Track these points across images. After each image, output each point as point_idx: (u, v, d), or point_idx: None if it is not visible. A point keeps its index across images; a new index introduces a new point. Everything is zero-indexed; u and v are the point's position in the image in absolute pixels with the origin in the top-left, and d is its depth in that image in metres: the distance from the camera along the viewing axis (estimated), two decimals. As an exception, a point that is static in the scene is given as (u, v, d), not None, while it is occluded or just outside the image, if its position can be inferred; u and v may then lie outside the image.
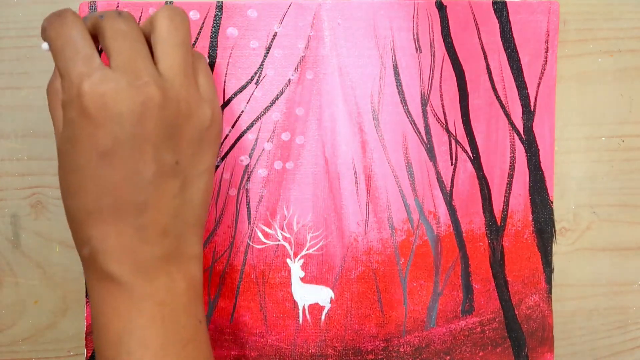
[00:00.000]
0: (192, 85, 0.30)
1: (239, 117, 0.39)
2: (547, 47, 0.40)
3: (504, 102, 0.40)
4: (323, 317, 0.40)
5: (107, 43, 0.28)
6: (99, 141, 0.27)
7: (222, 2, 0.39)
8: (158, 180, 0.28)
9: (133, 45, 0.28)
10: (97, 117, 0.27)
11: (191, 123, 0.30)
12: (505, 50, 0.40)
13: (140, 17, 0.38)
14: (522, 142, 0.40)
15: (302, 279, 0.40)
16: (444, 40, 0.40)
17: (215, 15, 0.39)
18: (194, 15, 0.39)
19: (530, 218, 0.40)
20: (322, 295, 0.40)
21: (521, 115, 0.40)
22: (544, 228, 0.40)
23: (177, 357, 0.29)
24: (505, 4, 0.40)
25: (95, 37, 0.30)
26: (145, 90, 0.27)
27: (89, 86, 0.27)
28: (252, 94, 0.39)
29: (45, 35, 0.29)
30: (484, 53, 0.40)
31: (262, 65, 0.39)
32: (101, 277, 0.29)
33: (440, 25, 0.39)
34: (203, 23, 0.39)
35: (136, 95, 0.27)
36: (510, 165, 0.40)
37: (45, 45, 0.30)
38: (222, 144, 0.39)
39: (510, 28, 0.40)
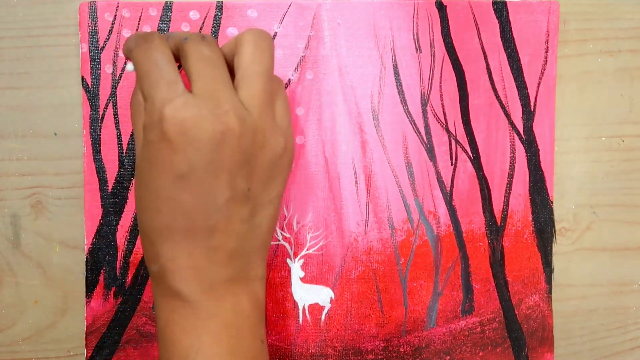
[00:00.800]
0: (270, 114, 0.30)
1: (239, 117, 0.39)
2: (547, 47, 0.40)
3: (504, 102, 0.40)
4: (323, 317, 0.40)
5: (190, 67, 0.29)
6: (176, 165, 0.28)
7: (222, 2, 0.39)
8: (230, 205, 0.29)
9: (215, 71, 0.29)
10: (176, 142, 0.27)
11: (265, 152, 0.30)
12: (505, 50, 0.40)
13: (140, 17, 0.38)
14: (522, 142, 0.40)
15: (302, 279, 0.40)
16: (444, 40, 0.40)
17: (215, 15, 0.39)
18: (193, 15, 0.39)
19: (530, 218, 0.40)
20: (322, 295, 0.40)
21: (521, 115, 0.40)
22: (544, 228, 0.40)
23: None
24: (505, 4, 0.40)
25: (177, 56, 0.30)
26: (225, 119, 0.28)
27: (171, 111, 0.27)
28: (252, 94, 0.39)
29: (131, 56, 0.29)
30: (484, 53, 0.40)
31: (262, 65, 0.39)
32: (169, 294, 0.30)
33: (440, 25, 0.39)
34: (203, 23, 0.39)
35: (216, 124, 0.28)
36: (510, 165, 0.40)
37: (130, 66, 0.30)
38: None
39: (510, 28, 0.40)
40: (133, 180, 0.39)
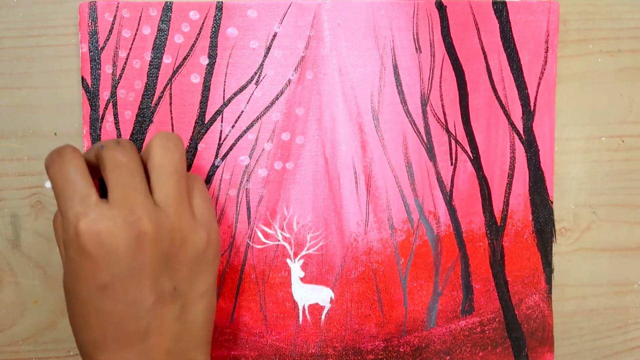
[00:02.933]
0: (187, 211, 0.31)
1: (239, 117, 0.39)
2: (547, 47, 0.40)
3: (504, 102, 0.40)
4: (323, 317, 0.40)
5: (107, 175, 0.30)
6: (98, 276, 0.28)
7: (222, 2, 0.39)
8: (158, 307, 0.29)
9: (129, 179, 0.30)
10: (95, 255, 0.28)
11: (186, 249, 0.31)
12: (505, 50, 0.40)
13: (140, 17, 0.38)
14: (522, 142, 0.40)
15: (302, 279, 0.40)
16: (444, 40, 0.40)
17: (215, 15, 0.39)
18: (193, 15, 0.39)
19: (530, 218, 0.40)
20: (322, 295, 0.40)
21: (521, 115, 0.40)
22: (544, 228, 0.40)
23: None
24: (505, 4, 0.40)
25: (98, 167, 0.31)
26: (139, 225, 0.28)
27: (86, 225, 0.28)
28: (252, 94, 0.39)
29: (48, 174, 0.30)
30: (484, 53, 0.40)
31: (262, 65, 0.39)
32: None
33: (440, 25, 0.39)
34: (203, 23, 0.39)
35: (130, 231, 0.28)
36: (510, 165, 0.40)
37: (48, 184, 0.31)
38: (220, 147, 0.39)
39: (510, 28, 0.40)
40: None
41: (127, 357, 0.29)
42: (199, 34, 0.39)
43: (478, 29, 0.40)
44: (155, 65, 0.39)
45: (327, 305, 0.40)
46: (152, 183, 0.30)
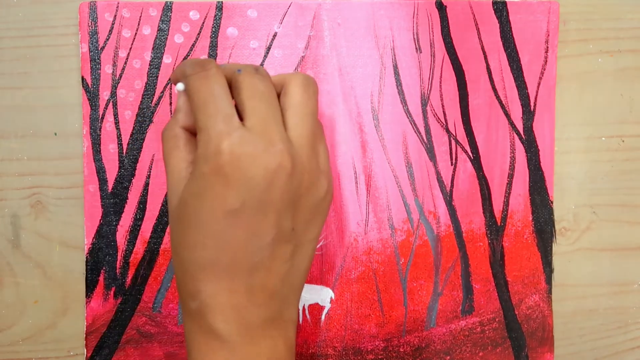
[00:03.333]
0: (315, 156, 0.31)
1: (239, 117, 0.39)
2: (547, 47, 0.40)
3: (504, 102, 0.40)
4: (323, 317, 0.40)
5: (244, 101, 0.29)
6: (228, 200, 0.28)
7: (222, 2, 0.39)
8: (274, 244, 0.29)
9: (269, 108, 0.29)
10: (231, 177, 0.27)
11: (310, 193, 0.30)
12: (505, 50, 0.40)
13: (140, 17, 0.38)
14: (522, 142, 0.40)
15: (302, 279, 0.40)
16: (444, 40, 0.40)
17: (215, 15, 0.39)
18: (194, 15, 0.39)
19: (530, 218, 0.40)
20: (322, 295, 0.40)
21: (521, 115, 0.40)
22: (544, 228, 0.40)
23: None
24: (505, 4, 0.40)
25: (230, 86, 0.30)
26: (279, 158, 0.28)
27: (228, 146, 0.27)
28: (252, 94, 0.39)
29: (187, 82, 0.29)
30: (484, 53, 0.40)
31: (262, 65, 0.39)
32: (207, 334, 0.29)
33: (440, 25, 0.39)
34: (203, 23, 0.39)
35: (270, 162, 0.28)
36: (510, 165, 0.40)
37: (180, 86, 0.30)
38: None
39: (510, 28, 0.40)
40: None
41: (233, 289, 0.29)
42: (199, 34, 0.39)
43: (478, 29, 0.40)
44: (155, 65, 0.39)
45: (327, 305, 0.40)
46: (287, 119, 0.30)
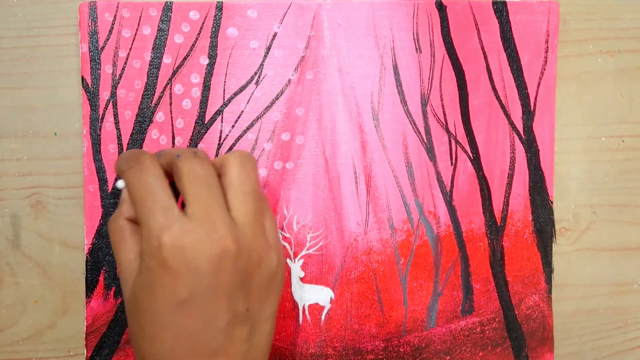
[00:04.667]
0: (262, 232, 0.31)
1: (239, 117, 0.39)
2: (547, 47, 0.40)
3: (504, 102, 0.40)
4: (323, 317, 0.40)
5: (184, 187, 0.29)
6: (177, 291, 0.28)
7: (222, 2, 0.39)
8: (230, 328, 0.29)
9: (209, 192, 0.29)
10: (176, 269, 0.28)
11: (260, 271, 0.30)
12: (505, 50, 0.40)
13: (140, 17, 0.38)
14: (522, 142, 0.40)
15: (302, 279, 0.40)
16: (444, 40, 0.40)
17: (215, 15, 0.39)
18: (194, 15, 0.39)
19: (530, 218, 0.40)
20: (322, 295, 0.40)
21: (521, 115, 0.40)
22: (544, 228, 0.40)
23: None
24: (505, 4, 0.40)
25: (169, 173, 0.30)
26: (222, 243, 0.28)
27: (169, 238, 0.27)
28: (252, 94, 0.39)
29: (123, 177, 0.30)
30: (484, 53, 0.40)
31: (262, 65, 0.39)
32: None
33: (440, 25, 0.39)
34: (203, 23, 0.39)
35: (214, 248, 0.28)
36: (510, 165, 0.40)
37: (120, 184, 0.31)
38: (220, 147, 0.39)
39: (510, 28, 0.40)
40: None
41: None
42: (199, 34, 0.39)
43: (478, 29, 0.40)
44: (155, 65, 0.39)
45: (327, 305, 0.40)
46: (229, 200, 0.30)
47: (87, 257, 0.39)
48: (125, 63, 0.39)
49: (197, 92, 0.39)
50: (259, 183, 0.31)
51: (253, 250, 0.30)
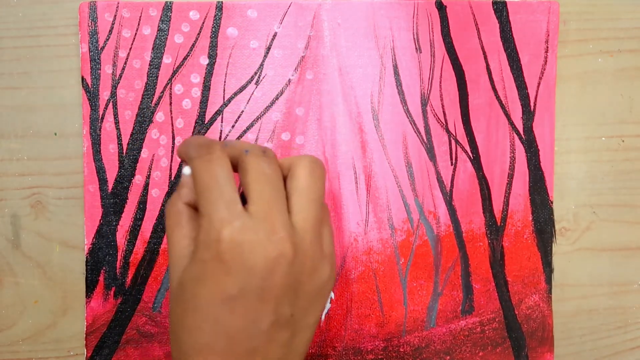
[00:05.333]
0: (319, 241, 0.30)
1: (239, 117, 0.39)
2: (547, 47, 0.40)
3: (504, 102, 0.40)
4: (323, 317, 0.40)
5: (250, 184, 0.29)
6: (227, 287, 0.28)
7: (222, 2, 0.39)
8: (272, 330, 0.29)
9: (273, 192, 0.29)
10: (230, 265, 0.27)
11: (312, 279, 0.30)
12: (505, 50, 0.40)
13: (140, 17, 0.38)
14: (522, 142, 0.40)
15: (302, 279, 0.40)
16: (444, 40, 0.40)
17: (215, 15, 0.39)
18: (193, 15, 0.39)
19: (530, 218, 0.40)
20: (322, 295, 0.40)
21: (521, 115, 0.40)
22: (544, 228, 0.40)
23: None
24: (505, 4, 0.40)
25: (234, 165, 0.30)
26: (280, 246, 0.28)
27: (229, 234, 0.27)
28: (252, 94, 0.39)
29: (191, 165, 0.29)
30: (484, 53, 0.40)
31: (262, 65, 0.39)
32: None
33: (440, 25, 0.39)
34: (203, 23, 0.39)
35: (271, 250, 0.28)
36: (510, 165, 0.40)
37: (187, 170, 0.30)
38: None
39: (510, 28, 0.40)
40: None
41: None
42: (199, 34, 0.39)
43: (478, 29, 0.40)
44: (155, 65, 0.39)
45: (327, 305, 0.40)
46: (292, 204, 0.30)
47: (87, 257, 0.39)
48: (125, 63, 0.39)
49: (197, 92, 0.39)
50: (325, 192, 0.31)
51: (308, 257, 0.29)
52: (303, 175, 0.30)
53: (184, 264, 0.29)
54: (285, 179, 0.30)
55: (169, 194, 0.39)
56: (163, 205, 0.39)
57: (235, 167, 0.30)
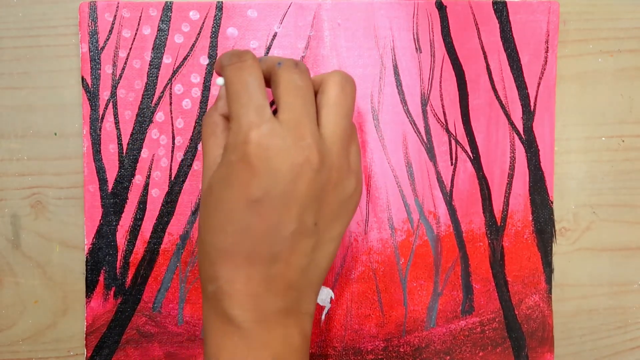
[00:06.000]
0: (346, 155, 0.31)
1: (239, 117, 0.39)
2: (547, 47, 0.40)
3: (504, 102, 0.40)
4: (323, 317, 0.40)
5: (280, 95, 0.29)
6: (252, 189, 0.28)
7: (222, 2, 0.39)
8: (295, 237, 0.29)
9: (304, 104, 0.29)
10: (256, 167, 0.28)
11: (336, 191, 0.31)
12: (505, 50, 0.40)
13: (140, 17, 0.38)
14: (522, 142, 0.40)
15: (302, 279, 0.40)
16: (444, 40, 0.40)
17: (215, 15, 0.39)
18: (194, 15, 0.39)
19: (530, 218, 0.40)
20: (322, 295, 0.40)
21: (521, 115, 0.40)
22: (544, 228, 0.40)
23: None
24: (505, 4, 0.40)
25: (267, 79, 0.31)
26: (307, 152, 0.28)
27: (257, 137, 0.28)
28: (252, 94, 0.39)
29: (223, 73, 0.30)
30: (484, 53, 0.40)
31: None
32: (222, 319, 0.30)
33: (440, 25, 0.39)
34: (203, 23, 0.39)
35: (297, 156, 0.28)
36: (510, 165, 0.40)
37: (220, 81, 0.31)
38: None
39: (510, 28, 0.40)
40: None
41: (250, 276, 0.29)
42: (199, 34, 0.39)
43: (478, 29, 0.40)
44: (155, 65, 0.39)
45: (327, 305, 0.40)
46: (321, 117, 0.30)
47: (87, 257, 0.39)
48: (125, 63, 0.39)
49: (197, 92, 0.39)
50: (354, 109, 0.31)
51: (334, 168, 0.30)
52: (334, 90, 0.30)
53: (214, 170, 0.30)
54: (316, 94, 0.31)
55: (169, 194, 0.39)
56: (163, 205, 0.39)
57: (269, 81, 0.30)
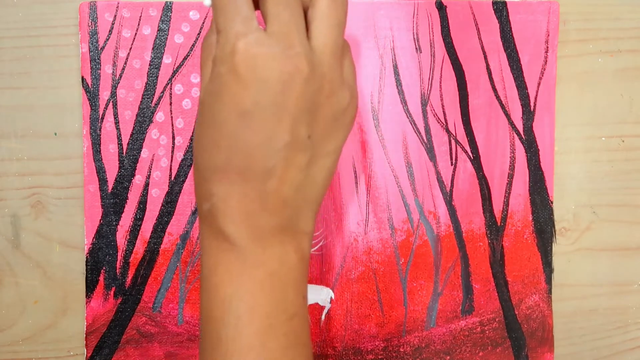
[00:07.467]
0: (338, 67, 0.30)
1: (239, 117, 0.39)
2: (547, 47, 0.40)
3: (504, 102, 0.40)
4: (323, 317, 0.40)
5: (268, 7, 0.29)
6: (242, 100, 0.28)
7: (222, 2, 0.39)
8: (289, 151, 0.29)
9: (292, 14, 0.29)
10: (245, 77, 0.27)
11: (330, 103, 0.30)
12: (505, 50, 0.40)
13: (140, 17, 0.38)
14: (522, 142, 0.40)
15: (302, 279, 0.40)
16: (444, 40, 0.40)
17: (215, 15, 0.39)
18: (193, 15, 0.39)
19: (530, 218, 0.40)
20: (322, 295, 0.40)
21: (521, 115, 0.40)
22: (544, 228, 0.40)
23: (283, 328, 0.29)
24: (505, 4, 0.40)
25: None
26: (296, 61, 0.28)
27: (244, 46, 0.27)
28: (252, 94, 0.39)
29: None
30: (484, 53, 0.40)
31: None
32: (217, 236, 0.29)
33: (440, 25, 0.39)
34: (203, 23, 0.39)
35: (286, 65, 0.28)
36: (510, 165, 0.40)
37: (207, 2, 0.30)
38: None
39: (510, 28, 0.40)
40: (132, 178, 0.39)
41: (244, 193, 0.29)
42: (199, 34, 0.39)
43: (478, 29, 0.40)
44: (155, 65, 0.39)
45: (327, 305, 0.40)
46: (311, 28, 0.30)
47: (87, 257, 0.39)
48: (125, 63, 0.39)
49: (197, 92, 0.39)
50: (346, 21, 0.30)
51: (326, 80, 0.29)
52: (324, 2, 0.30)
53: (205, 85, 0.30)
54: (306, 11, 0.30)
55: (169, 194, 0.39)
56: (163, 205, 0.39)
57: (257, 4, 0.30)
